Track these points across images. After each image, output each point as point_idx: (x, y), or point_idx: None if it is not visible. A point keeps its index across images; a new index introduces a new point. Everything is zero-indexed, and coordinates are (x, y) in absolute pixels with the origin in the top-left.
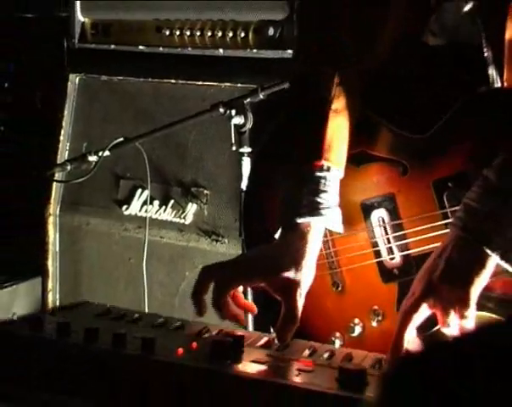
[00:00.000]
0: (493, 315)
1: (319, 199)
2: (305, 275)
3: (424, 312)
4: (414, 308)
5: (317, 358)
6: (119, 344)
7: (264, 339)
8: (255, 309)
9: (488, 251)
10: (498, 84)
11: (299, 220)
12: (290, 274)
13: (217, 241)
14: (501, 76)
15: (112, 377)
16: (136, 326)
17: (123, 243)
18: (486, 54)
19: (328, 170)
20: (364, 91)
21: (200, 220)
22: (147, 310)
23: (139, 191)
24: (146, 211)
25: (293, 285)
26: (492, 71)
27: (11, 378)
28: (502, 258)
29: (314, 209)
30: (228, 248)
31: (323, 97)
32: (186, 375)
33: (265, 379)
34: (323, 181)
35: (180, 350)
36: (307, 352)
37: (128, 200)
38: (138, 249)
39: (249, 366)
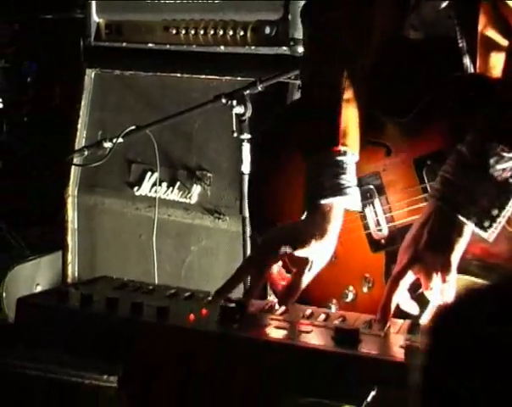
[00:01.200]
0: (473, 278)
1: (340, 181)
2: (321, 253)
3: (410, 278)
4: (401, 274)
5: (314, 320)
6: (137, 312)
7: (266, 305)
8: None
9: (463, 219)
10: (471, 72)
11: (323, 202)
12: (306, 250)
13: (219, 218)
14: (474, 64)
15: (131, 342)
16: (150, 296)
17: (134, 221)
18: (460, 45)
19: (345, 154)
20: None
21: (204, 200)
22: (156, 280)
23: (149, 174)
24: (155, 192)
25: (305, 261)
26: (466, 60)
27: (39, 344)
28: (476, 225)
29: (337, 190)
30: (229, 225)
31: (335, 88)
32: (197, 338)
33: (270, 340)
34: (341, 164)
35: (192, 316)
36: (305, 315)
37: (139, 182)
38: (148, 226)
39: (254, 329)
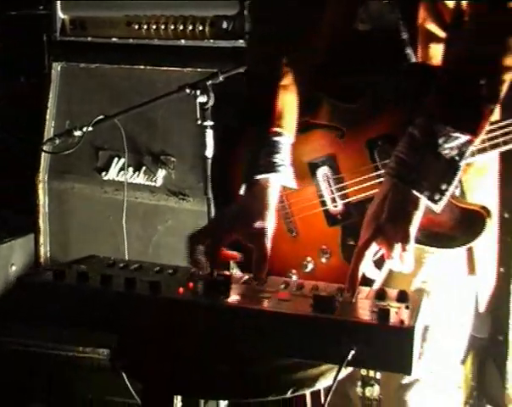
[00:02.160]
0: (421, 246)
1: (273, 159)
2: (269, 223)
3: (373, 249)
4: (366, 246)
5: (291, 290)
6: (131, 287)
7: (245, 278)
8: (238, 256)
9: (417, 194)
10: (413, 61)
11: (258, 177)
12: (258, 224)
13: (183, 199)
14: (415, 54)
15: (126, 315)
16: (139, 272)
17: (103, 204)
18: (403, 37)
19: (280, 135)
20: (312, 74)
21: (168, 183)
22: (127, 258)
23: (115, 159)
24: (123, 175)
25: (261, 232)
26: (408, 50)
27: (40, 320)
28: (428, 199)
29: (270, 168)
30: (192, 205)
31: (274, 75)
32: (189, 309)
33: (254, 308)
34: (276, 144)
35: (181, 289)
36: (282, 286)
37: (106, 168)
38: (116, 208)
39: (239, 299)
